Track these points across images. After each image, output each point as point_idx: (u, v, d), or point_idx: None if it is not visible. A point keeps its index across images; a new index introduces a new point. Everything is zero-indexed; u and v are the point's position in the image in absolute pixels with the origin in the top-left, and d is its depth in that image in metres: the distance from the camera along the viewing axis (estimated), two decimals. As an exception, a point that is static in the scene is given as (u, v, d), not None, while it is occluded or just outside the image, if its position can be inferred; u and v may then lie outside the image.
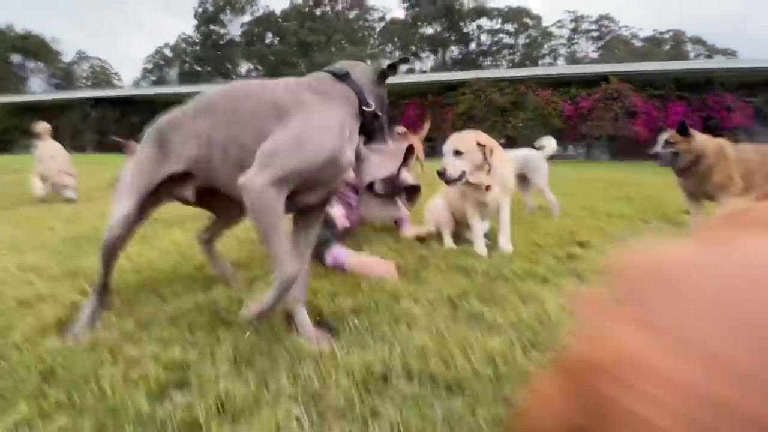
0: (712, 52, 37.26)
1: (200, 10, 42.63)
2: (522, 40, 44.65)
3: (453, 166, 2.00)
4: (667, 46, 41.83)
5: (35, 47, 39.91)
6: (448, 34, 44.99)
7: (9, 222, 3.05)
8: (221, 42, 45.17)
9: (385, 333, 1.18)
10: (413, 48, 46.51)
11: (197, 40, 44.63)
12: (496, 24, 43.89)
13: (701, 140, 2.37)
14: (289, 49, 43.92)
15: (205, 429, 0.79)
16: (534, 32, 43.94)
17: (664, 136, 2.44)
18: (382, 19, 46.71)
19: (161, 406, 0.87)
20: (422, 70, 44.19)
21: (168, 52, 45.76)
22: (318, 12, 45.64)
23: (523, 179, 3.19)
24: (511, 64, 41.89)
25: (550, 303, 1.36)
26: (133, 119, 20.09)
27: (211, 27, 44.52)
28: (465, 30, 44.76)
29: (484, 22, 44.18)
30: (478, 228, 2.18)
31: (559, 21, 43.90)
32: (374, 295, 1.45)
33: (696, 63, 18.81)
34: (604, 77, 14.05)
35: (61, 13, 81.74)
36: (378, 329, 1.20)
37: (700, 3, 59.27)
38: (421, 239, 2.37)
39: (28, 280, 1.69)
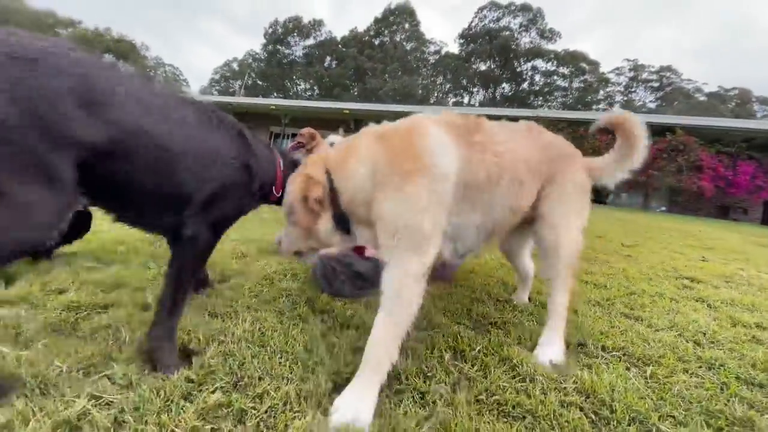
0: (782, 113, 35.43)
1: (270, 30, 46.00)
2: (576, 83, 44.51)
3: None
4: (732, 104, 40.27)
5: (126, 51, 44.33)
6: (500, 72, 45.68)
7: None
8: (284, 61, 48.25)
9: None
10: (464, 82, 47.54)
11: (263, 58, 47.92)
12: (551, 66, 44.14)
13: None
14: (345, 72, 46.16)
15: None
16: (590, 77, 43.72)
17: None
18: (437, 52, 48.29)
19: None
20: (470, 105, 44.97)
21: (235, 66, 49.36)
22: (377, 41, 47.93)
23: None
24: (562, 107, 41.71)
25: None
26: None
27: (278, 47, 47.77)
28: (518, 69, 45.29)
29: (538, 63, 44.61)
30: None
31: (617, 68, 43.51)
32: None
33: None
34: (669, 128, 13.76)
35: (144, 22, 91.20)
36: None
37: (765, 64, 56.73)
38: None
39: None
